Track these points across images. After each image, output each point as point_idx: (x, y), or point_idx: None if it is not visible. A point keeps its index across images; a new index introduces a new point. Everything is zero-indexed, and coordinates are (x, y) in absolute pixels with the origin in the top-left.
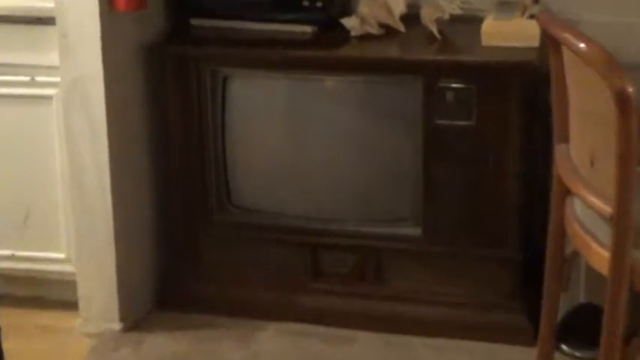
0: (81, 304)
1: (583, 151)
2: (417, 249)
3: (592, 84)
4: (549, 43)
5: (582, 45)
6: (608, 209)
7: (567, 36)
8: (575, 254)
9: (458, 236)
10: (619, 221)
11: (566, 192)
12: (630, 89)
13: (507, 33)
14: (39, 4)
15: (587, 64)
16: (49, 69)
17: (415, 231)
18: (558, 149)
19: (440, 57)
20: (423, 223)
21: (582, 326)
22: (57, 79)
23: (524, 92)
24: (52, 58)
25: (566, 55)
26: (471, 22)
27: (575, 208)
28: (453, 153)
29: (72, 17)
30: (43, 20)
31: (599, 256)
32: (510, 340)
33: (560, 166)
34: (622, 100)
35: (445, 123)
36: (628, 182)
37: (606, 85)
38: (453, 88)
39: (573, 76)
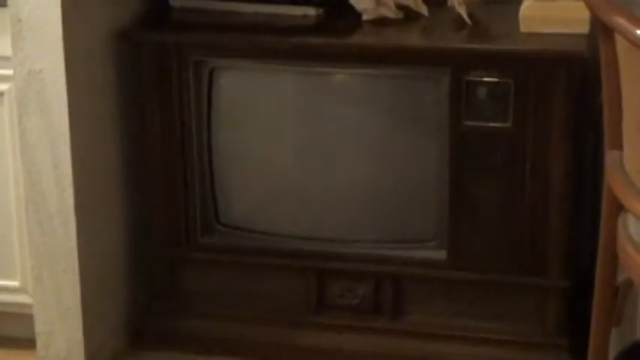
0: (39, 342)
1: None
2: (441, 276)
3: None
4: (600, 29)
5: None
6: None
7: (621, 21)
8: (629, 283)
9: (490, 261)
10: None
11: (619, 208)
12: None
13: (551, 17)
14: None
15: None
16: (1, 60)
17: (440, 254)
18: (610, 157)
19: (470, 45)
20: (449, 245)
21: None
22: (9, 71)
23: (571, 89)
24: (3, 46)
25: (620, 43)
26: (507, 3)
27: (630, 227)
28: (485, 161)
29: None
30: None
31: None
32: None
33: (612, 178)
34: None
35: (476, 125)
36: None
37: None
38: (486, 83)
39: (629, 69)
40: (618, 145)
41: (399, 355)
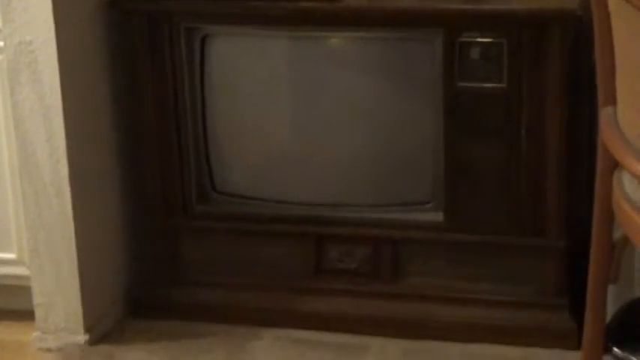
0: (37, 314)
1: (634, 115)
2: (439, 238)
3: None
4: None
5: None
6: None
7: None
8: (625, 240)
9: (488, 222)
10: None
11: (614, 165)
12: None
13: None
14: None
15: (637, 9)
16: None
17: (437, 216)
18: (604, 113)
19: (463, 6)
20: (446, 207)
21: (638, 324)
22: None
23: (565, 47)
24: None
25: (612, 2)
26: None
27: (625, 184)
28: (480, 123)
29: None
30: None
31: None
32: (553, 343)
33: (606, 134)
34: None
35: (470, 86)
36: None
37: None
38: (479, 44)
39: (621, 23)
40: (612, 101)
41: (398, 318)
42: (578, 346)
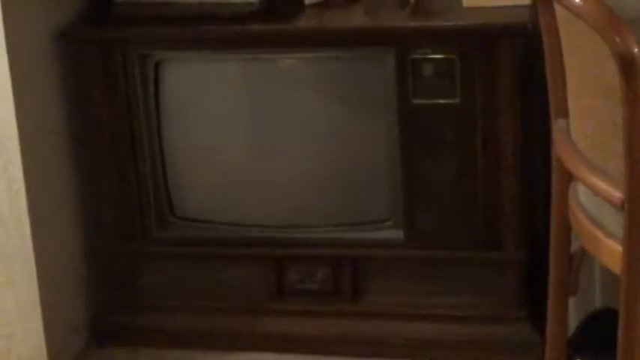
0: (0, 346)
1: (585, 127)
2: (399, 255)
3: (591, 45)
4: (540, 2)
5: (578, 0)
6: (618, 195)
7: None
8: (584, 251)
9: (447, 238)
10: (632, 208)
11: (569, 177)
12: (636, 50)
13: None
14: None
15: (583, 22)
16: None
17: (396, 234)
18: (556, 126)
19: (413, 23)
20: (405, 224)
21: (600, 335)
22: None
23: (516, 60)
24: None
25: (559, 12)
26: None
27: (580, 195)
28: (435, 138)
29: None
30: None
31: (609, 250)
32: (515, 356)
33: (560, 147)
34: (626, 63)
35: (424, 102)
36: (638, 161)
37: (607, 45)
38: (432, 60)
39: (569, 37)
40: (564, 114)
41: (361, 336)
42: (541, 358)
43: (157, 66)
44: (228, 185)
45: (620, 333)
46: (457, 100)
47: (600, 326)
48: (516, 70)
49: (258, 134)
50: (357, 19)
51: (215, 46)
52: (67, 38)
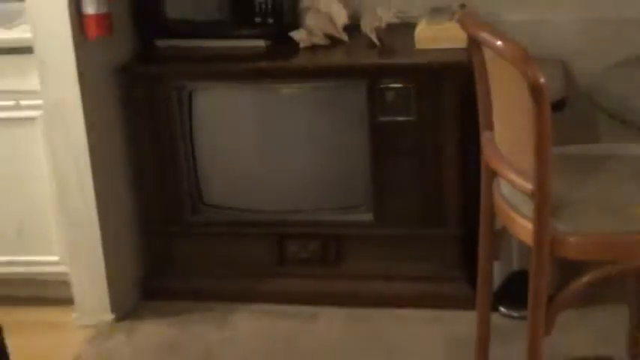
0: (76, 300)
1: (505, 137)
2: (369, 233)
3: (510, 77)
4: (471, 42)
5: (499, 43)
6: (529, 186)
7: (485, 35)
8: (504, 229)
9: (405, 219)
10: (539, 196)
11: (493, 174)
12: (542, 80)
13: (439, 36)
14: (17, 36)
15: (504, 59)
16: (32, 93)
17: (368, 217)
18: (484, 136)
19: (380, 61)
20: (374, 209)
21: (517, 290)
22: (39, 101)
23: (456, 89)
24: (34, 83)
25: (487, 52)
26: (406, 28)
27: (502, 188)
28: (396, 146)
29: (48, 45)
30: (23, 49)
31: (523, 227)
32: (456, 306)
33: (487, 152)
34: (536, 91)
35: (388, 120)
36: (545, 161)
37: (522, 77)
38: (393, 88)
39: (494, 71)
40: (490, 127)
41: (341, 293)
42: (473, 307)
43: (190, 94)
44: (243, 181)
45: (530, 286)
46: (412, 118)
47: (517, 283)
48: (457, 95)
49: (265, 143)
50: (338, 58)
51: (233, 78)
52: (123, 72)
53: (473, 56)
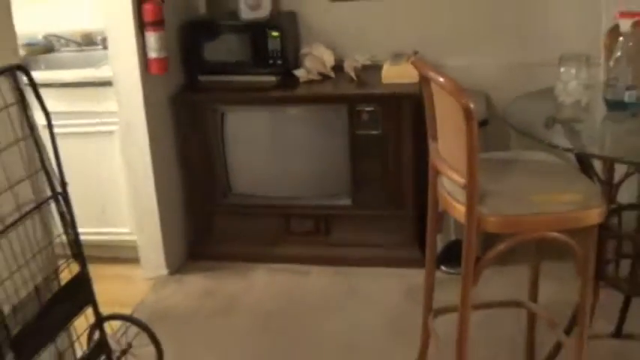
0: (142, 260)
1: (446, 146)
2: (349, 213)
3: (449, 104)
4: (421, 79)
5: (441, 79)
6: (462, 181)
7: (432, 74)
8: (445, 211)
9: (375, 204)
10: (469, 188)
11: (438, 173)
12: (472, 106)
13: (398, 74)
14: (102, 74)
15: (445, 91)
16: (111, 114)
17: (347, 202)
18: (431, 145)
19: (357, 91)
20: (352, 196)
21: (453, 254)
22: (116, 119)
23: (411, 112)
24: (113, 106)
25: (433, 86)
26: (375, 68)
27: (444, 182)
28: (368, 152)
29: (122, 80)
30: (106, 83)
31: (458, 211)
32: (410, 265)
33: (433, 157)
34: (467, 113)
35: (362, 133)
36: (473, 164)
37: (457, 104)
38: (367, 111)
39: (437, 99)
40: (435, 138)
41: (328, 256)
42: (422, 266)
43: (222, 114)
44: (259, 176)
45: (463, 251)
46: (380, 132)
47: (453, 249)
48: (410, 116)
49: (275, 148)
50: (327, 89)
51: (253, 103)
52: (175, 99)
53: (423, 89)
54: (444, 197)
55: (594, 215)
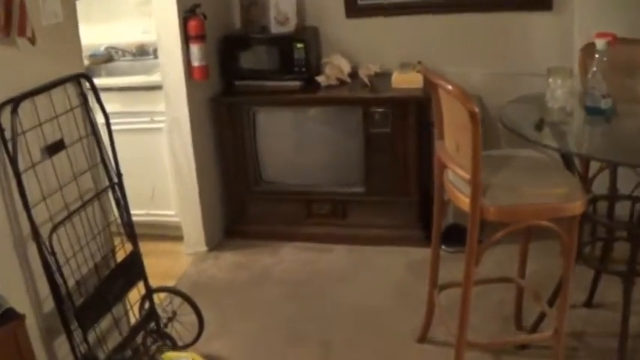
0: (185, 238)
1: (452, 144)
2: (362, 199)
3: (455, 107)
4: (431, 86)
5: (450, 87)
6: (467, 176)
7: (441, 82)
8: (449, 200)
9: (385, 191)
10: (473, 182)
11: (444, 166)
12: (477, 110)
13: (405, 81)
14: (154, 79)
15: (453, 97)
16: (160, 113)
17: (361, 189)
18: (438, 143)
19: (370, 95)
20: (365, 184)
21: (453, 235)
22: (164, 118)
23: (416, 113)
24: (161, 107)
25: (440, 92)
26: (385, 75)
27: (449, 175)
28: (380, 147)
29: (170, 85)
30: (156, 87)
31: (463, 201)
32: (415, 244)
33: (439, 153)
34: (473, 117)
35: (375, 131)
36: (477, 161)
37: (464, 108)
38: (378, 112)
39: (445, 104)
40: (442, 137)
41: (345, 236)
42: (427, 244)
43: (254, 114)
44: (286, 166)
45: (467, 236)
46: (389, 130)
47: (453, 231)
48: (415, 116)
49: (299, 143)
50: (344, 93)
51: (280, 104)
52: (214, 101)
53: (431, 94)
54: (450, 188)
55: (578, 206)
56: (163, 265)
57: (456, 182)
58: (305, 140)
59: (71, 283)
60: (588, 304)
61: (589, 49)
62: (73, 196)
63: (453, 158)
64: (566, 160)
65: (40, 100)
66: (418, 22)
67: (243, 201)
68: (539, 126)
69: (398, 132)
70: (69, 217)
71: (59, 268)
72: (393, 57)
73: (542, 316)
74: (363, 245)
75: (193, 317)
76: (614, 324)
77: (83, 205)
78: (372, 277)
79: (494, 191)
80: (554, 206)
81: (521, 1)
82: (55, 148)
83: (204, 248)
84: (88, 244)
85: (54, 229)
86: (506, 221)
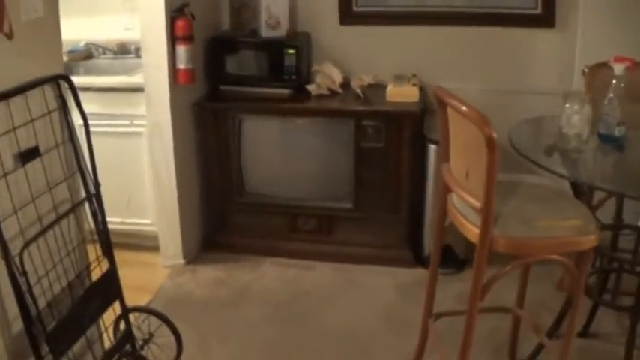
0: (162, 249)
1: (460, 168)
2: (350, 215)
3: (468, 130)
4: (440, 104)
5: (464, 108)
6: (478, 204)
7: (454, 102)
8: (450, 225)
9: (373, 208)
10: (485, 212)
11: (448, 190)
12: (495, 136)
13: (399, 93)
14: (135, 80)
15: (467, 119)
16: (141, 117)
17: (349, 205)
18: (443, 166)
19: (362, 107)
20: (354, 200)
21: (445, 256)
22: (145, 122)
23: (409, 127)
24: (142, 110)
25: (450, 112)
26: (378, 87)
27: (453, 200)
28: (371, 162)
29: (153, 87)
30: (138, 89)
31: (470, 230)
32: (402, 264)
33: (445, 176)
34: (490, 143)
35: (367, 145)
36: (491, 190)
37: (481, 133)
38: (371, 125)
39: (454, 124)
40: (447, 159)
41: (330, 253)
42: (414, 265)
43: (240, 121)
44: (270, 178)
45: (474, 270)
46: (382, 145)
47: (445, 252)
48: (409, 131)
49: (286, 155)
50: (336, 104)
51: (267, 113)
52: (198, 106)
53: (440, 112)
54: (454, 214)
55: (591, 240)
56: (139, 278)
57: (462, 209)
58: (292, 151)
59: (42, 303)
60: (584, 333)
61: (596, 70)
62: (46, 208)
63: (460, 184)
64: (576, 188)
65: (15, 102)
66: (415, 33)
67: (224, 212)
68: (548, 152)
69: (391, 147)
70: (43, 232)
71: (30, 288)
72: (387, 68)
73: (539, 348)
74: (349, 264)
75: (171, 339)
76: (611, 356)
77: (58, 220)
78: (358, 299)
79: (505, 221)
80: (567, 240)
81: (524, 18)
82: (29, 155)
83: (181, 261)
84: (62, 260)
85: (25, 245)
86: (515, 254)
